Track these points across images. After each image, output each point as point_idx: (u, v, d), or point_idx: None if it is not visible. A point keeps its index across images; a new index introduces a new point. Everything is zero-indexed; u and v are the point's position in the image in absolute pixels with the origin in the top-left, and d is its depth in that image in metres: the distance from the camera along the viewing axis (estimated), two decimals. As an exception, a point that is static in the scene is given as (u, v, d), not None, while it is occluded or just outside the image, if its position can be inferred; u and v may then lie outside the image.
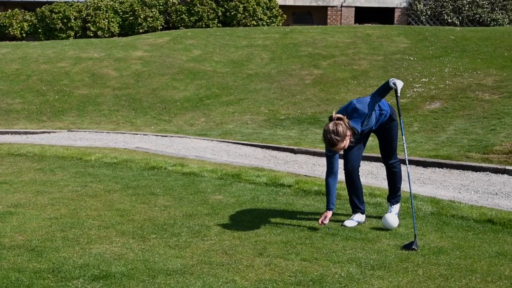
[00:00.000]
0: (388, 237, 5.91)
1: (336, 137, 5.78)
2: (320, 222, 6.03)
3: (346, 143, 5.87)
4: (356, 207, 6.45)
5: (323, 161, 11.05)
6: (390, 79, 6.05)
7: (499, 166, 9.91)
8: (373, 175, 9.60)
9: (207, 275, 4.77)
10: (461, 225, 6.38)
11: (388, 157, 6.51)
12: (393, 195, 6.63)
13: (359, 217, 6.43)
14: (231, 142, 12.98)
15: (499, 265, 5.13)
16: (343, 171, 6.42)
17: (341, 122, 5.86)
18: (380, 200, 7.28)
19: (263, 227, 6.14)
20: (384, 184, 7.93)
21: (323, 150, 11.56)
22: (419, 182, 9.24)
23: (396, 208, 6.59)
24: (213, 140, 13.26)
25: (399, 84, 6.03)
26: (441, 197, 7.78)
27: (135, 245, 5.51)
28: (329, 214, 6.08)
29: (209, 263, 5.04)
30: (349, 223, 6.33)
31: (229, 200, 7.35)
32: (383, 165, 6.82)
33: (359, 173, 6.47)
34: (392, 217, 6.21)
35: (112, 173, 8.96)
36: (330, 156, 6.14)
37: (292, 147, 12.12)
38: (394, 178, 6.59)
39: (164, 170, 9.19)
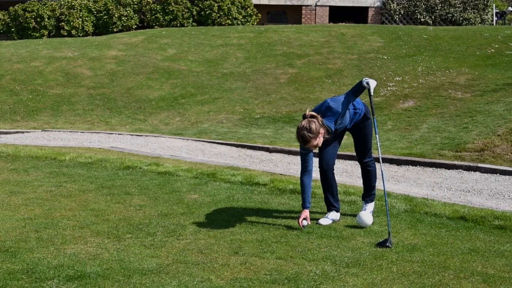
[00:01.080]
0: (362, 235, 5.94)
1: (309, 134, 5.83)
2: (299, 223, 6.02)
3: (319, 141, 5.92)
4: (331, 205, 6.46)
5: (298, 159, 11.03)
6: (364, 79, 6.11)
7: (471, 164, 10.03)
8: (347, 173, 9.66)
9: (183, 274, 4.74)
10: (434, 222, 6.43)
11: (363, 155, 6.55)
12: (368, 193, 6.68)
13: (334, 215, 6.44)
14: (206, 141, 12.97)
15: (472, 261, 5.18)
16: (318, 170, 6.45)
17: (314, 120, 5.89)
18: (354, 198, 7.32)
19: (238, 226, 6.13)
20: (358, 182, 7.99)
21: (298, 149, 11.60)
22: (393, 180, 9.31)
23: (370, 206, 6.66)
24: (188, 139, 13.23)
25: (372, 83, 6.08)
26: (414, 194, 7.84)
27: (110, 245, 5.47)
28: (306, 212, 6.08)
29: (185, 262, 5.01)
30: (324, 221, 6.34)
31: (204, 199, 7.33)
32: (357, 163, 6.87)
33: (334, 172, 6.50)
34: (367, 215, 6.25)
35: (86, 173, 8.90)
36: (304, 154, 6.17)
37: (267, 146, 12.15)
38: (369, 177, 6.64)
39: (139, 169, 9.14)
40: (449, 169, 10.06)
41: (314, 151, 6.14)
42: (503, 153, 10.22)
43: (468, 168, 9.97)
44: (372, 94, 6.15)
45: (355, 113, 6.31)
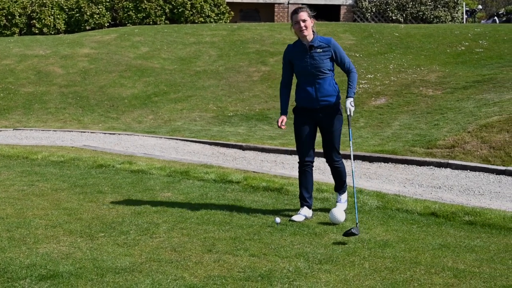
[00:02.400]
0: (335, 231, 5.97)
1: (303, 8, 6.42)
2: (279, 125, 6.46)
3: (308, 23, 6.37)
4: (304, 200, 6.50)
5: (271, 157, 11.13)
6: (350, 102, 6.34)
7: (442, 160, 10.15)
8: (320, 170, 9.71)
9: (156, 272, 4.74)
10: (405, 219, 6.50)
11: (330, 155, 6.58)
12: (340, 186, 6.79)
13: (306, 211, 6.47)
14: (180, 139, 12.95)
15: (442, 256, 5.24)
16: (298, 166, 6.60)
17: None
18: (327, 195, 7.37)
19: (211, 224, 6.14)
20: (331, 179, 8.00)
21: (271, 147, 11.68)
22: (365, 177, 9.39)
23: (344, 196, 6.77)
24: (161, 138, 13.20)
25: (352, 109, 6.36)
26: (386, 191, 7.91)
27: (83, 244, 5.44)
28: (283, 117, 6.48)
29: (158, 261, 5.01)
30: (297, 217, 6.36)
31: (177, 197, 7.33)
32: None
33: (313, 169, 6.59)
34: (339, 212, 6.29)
35: (59, 172, 8.84)
36: (284, 64, 6.65)
37: (240, 143, 12.16)
38: (339, 175, 6.72)
39: (112, 168, 9.10)
40: (420, 166, 10.16)
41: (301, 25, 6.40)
42: (473, 149, 10.36)
43: (439, 165, 10.08)
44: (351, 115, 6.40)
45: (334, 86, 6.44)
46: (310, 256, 5.18)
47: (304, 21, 6.34)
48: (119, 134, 13.72)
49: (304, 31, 6.37)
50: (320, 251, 5.33)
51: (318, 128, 6.57)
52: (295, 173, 9.46)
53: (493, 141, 10.42)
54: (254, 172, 9.16)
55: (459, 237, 5.85)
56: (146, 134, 13.59)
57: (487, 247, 5.53)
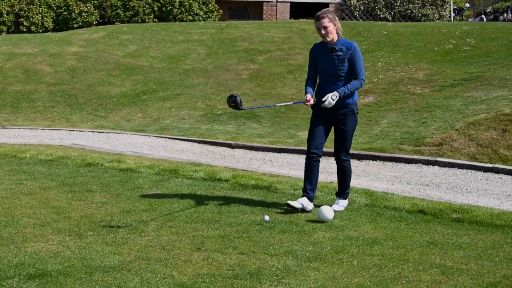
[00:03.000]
0: (323, 229, 5.99)
1: (326, 13, 6.49)
2: (306, 102, 6.55)
3: (330, 29, 6.47)
4: (306, 192, 6.66)
5: (259, 155, 11.14)
6: (332, 96, 6.48)
7: (430, 158, 10.19)
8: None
9: (145, 271, 4.74)
10: (394, 216, 6.53)
11: (338, 151, 6.77)
12: (342, 191, 6.90)
13: (304, 201, 6.61)
14: (168, 138, 12.93)
15: (430, 254, 5.27)
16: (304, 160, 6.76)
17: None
18: (317, 193, 7.37)
19: (200, 222, 6.14)
20: (321, 177, 8.02)
21: (260, 145, 11.69)
22: (353, 174, 9.34)
23: (342, 202, 6.85)
24: (150, 136, 13.18)
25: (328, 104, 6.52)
26: (375, 189, 7.95)
27: (71, 243, 5.44)
28: (309, 95, 6.60)
29: (147, 259, 5.01)
30: (293, 202, 6.57)
31: (166, 195, 7.32)
32: (332, 161, 7.02)
33: (319, 164, 6.76)
34: (328, 210, 6.30)
35: (47, 170, 8.82)
36: (310, 67, 6.75)
37: (229, 142, 12.15)
38: (344, 175, 6.85)
39: (100, 166, 9.09)
40: (408, 164, 10.20)
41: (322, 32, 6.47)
42: (461, 147, 10.40)
43: (427, 162, 10.12)
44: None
45: (350, 95, 6.62)
46: (298, 253, 5.20)
47: (325, 28, 6.48)
48: (107, 132, 13.67)
49: (326, 37, 6.52)
50: (308, 248, 5.35)
51: (332, 128, 6.79)
52: (284, 171, 9.53)
53: (481, 138, 10.47)
54: (243, 170, 9.17)
55: (447, 234, 5.88)
56: (135, 133, 13.56)
57: (475, 244, 5.57)
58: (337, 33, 6.57)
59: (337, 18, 6.61)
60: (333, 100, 6.45)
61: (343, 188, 6.89)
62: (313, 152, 6.66)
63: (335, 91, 6.47)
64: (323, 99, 6.48)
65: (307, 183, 6.69)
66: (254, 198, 7.21)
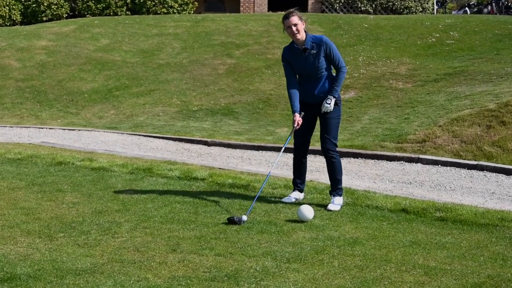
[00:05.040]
0: (303, 229, 5.92)
1: (293, 12, 6.57)
2: (296, 125, 6.63)
3: (299, 27, 6.53)
4: (296, 186, 7.01)
5: (237, 153, 11.04)
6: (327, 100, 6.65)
7: (412, 155, 10.11)
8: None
9: (118, 273, 4.67)
10: (375, 215, 6.47)
11: (325, 144, 6.79)
12: (335, 187, 6.85)
13: (297, 194, 6.96)
14: (142, 135, 12.86)
15: (413, 254, 5.22)
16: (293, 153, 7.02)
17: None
18: (308, 196, 7.29)
19: (176, 223, 6.06)
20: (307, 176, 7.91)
21: (237, 142, 11.57)
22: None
23: (338, 199, 6.78)
24: (123, 133, 13.10)
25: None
26: (356, 187, 7.90)
27: (41, 245, 5.35)
28: (297, 116, 6.62)
29: (120, 261, 4.94)
30: (286, 199, 6.91)
31: (140, 195, 7.21)
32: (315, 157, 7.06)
33: (307, 158, 7.06)
34: (307, 209, 6.22)
35: (16, 170, 8.67)
36: (285, 67, 6.78)
37: (205, 139, 12.07)
38: (333, 169, 6.84)
39: (71, 165, 8.97)
40: (390, 161, 10.11)
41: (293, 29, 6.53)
42: (445, 144, 10.33)
43: (410, 160, 10.04)
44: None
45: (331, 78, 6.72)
46: (277, 255, 5.14)
47: (295, 25, 6.54)
48: (79, 130, 13.56)
49: (297, 34, 6.58)
50: (288, 249, 5.29)
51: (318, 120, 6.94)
52: (262, 170, 9.43)
53: (465, 135, 10.42)
54: (219, 168, 9.10)
55: (430, 234, 5.83)
56: (107, 130, 13.46)
57: (459, 244, 5.53)
58: (305, 31, 6.64)
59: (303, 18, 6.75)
60: (329, 104, 6.62)
61: (335, 184, 6.84)
62: (300, 146, 6.91)
63: (329, 95, 6.63)
64: (321, 108, 6.65)
65: (297, 178, 7.02)
66: (232, 197, 7.13)
